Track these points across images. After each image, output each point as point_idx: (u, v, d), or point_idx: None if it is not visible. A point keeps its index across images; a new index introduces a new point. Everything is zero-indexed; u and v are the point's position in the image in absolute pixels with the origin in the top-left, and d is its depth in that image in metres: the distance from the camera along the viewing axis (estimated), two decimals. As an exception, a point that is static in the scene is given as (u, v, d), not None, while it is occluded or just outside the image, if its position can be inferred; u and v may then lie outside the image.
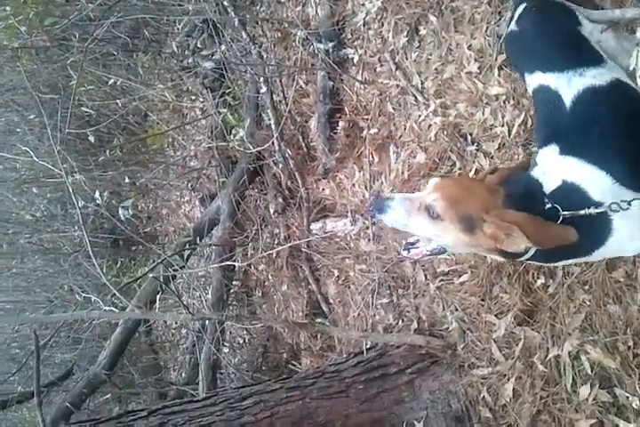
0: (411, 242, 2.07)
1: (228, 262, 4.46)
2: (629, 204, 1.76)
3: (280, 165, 4.91)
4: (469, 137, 3.49)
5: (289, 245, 4.30)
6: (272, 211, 5.03)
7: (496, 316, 3.24)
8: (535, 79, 2.18)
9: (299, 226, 4.78)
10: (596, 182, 1.85)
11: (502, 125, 3.28)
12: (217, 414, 3.03)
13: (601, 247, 1.90)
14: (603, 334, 2.76)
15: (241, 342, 6.20)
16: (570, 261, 2.27)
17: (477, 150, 3.43)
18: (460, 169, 3.51)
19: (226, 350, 5.85)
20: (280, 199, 4.97)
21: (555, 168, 1.95)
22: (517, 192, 1.88)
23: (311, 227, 4.66)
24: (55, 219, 8.01)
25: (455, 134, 3.53)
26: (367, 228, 4.21)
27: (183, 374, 6.52)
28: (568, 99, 2.02)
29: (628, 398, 2.64)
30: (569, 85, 2.03)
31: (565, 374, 2.87)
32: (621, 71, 2.13)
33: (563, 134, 2.00)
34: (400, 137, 3.97)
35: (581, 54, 2.11)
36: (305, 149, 4.85)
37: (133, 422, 2.93)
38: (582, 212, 1.78)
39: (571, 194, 1.85)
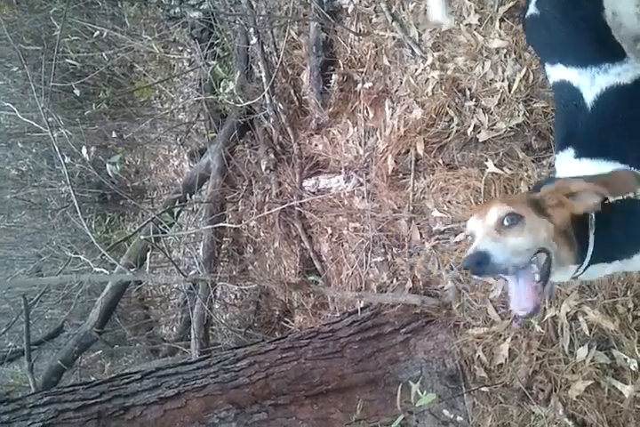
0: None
1: (221, 224, 4.40)
2: None
3: (271, 120, 4.82)
4: (468, 92, 3.40)
5: (281, 207, 4.23)
6: (263, 167, 4.94)
7: (493, 276, 3.21)
8: (557, 72, 2.02)
9: (291, 182, 4.70)
10: None
11: (502, 80, 3.19)
12: (211, 376, 3.01)
13: None
14: (602, 295, 2.75)
15: (232, 297, 6.18)
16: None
17: (476, 106, 3.35)
18: (457, 125, 3.42)
19: (217, 306, 5.83)
20: (271, 155, 4.88)
21: (570, 174, 1.84)
22: None
23: (303, 184, 4.59)
24: (42, 173, 7.90)
25: (453, 89, 3.44)
26: (361, 185, 4.13)
27: (174, 330, 6.55)
28: (589, 98, 1.89)
29: (626, 360, 2.64)
30: (592, 83, 1.89)
31: (563, 335, 2.87)
32: None
33: (580, 138, 1.89)
34: (396, 91, 3.87)
35: (606, 46, 1.95)
36: (297, 103, 4.74)
37: (127, 385, 2.91)
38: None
39: None
